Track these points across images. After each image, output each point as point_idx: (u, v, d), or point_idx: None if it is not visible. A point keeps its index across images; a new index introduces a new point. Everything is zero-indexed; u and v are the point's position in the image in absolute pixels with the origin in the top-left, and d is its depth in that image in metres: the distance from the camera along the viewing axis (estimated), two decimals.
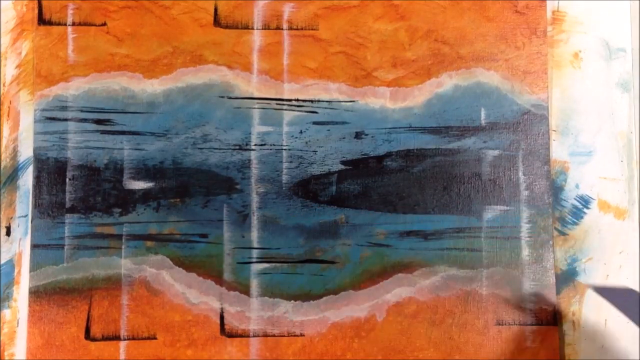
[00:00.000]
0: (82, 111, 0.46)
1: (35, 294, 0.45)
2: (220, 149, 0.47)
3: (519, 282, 0.47)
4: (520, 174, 0.48)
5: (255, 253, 0.46)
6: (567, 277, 0.47)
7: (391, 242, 0.47)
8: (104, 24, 0.47)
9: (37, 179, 0.46)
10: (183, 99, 0.47)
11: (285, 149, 0.47)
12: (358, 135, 0.47)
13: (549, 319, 0.46)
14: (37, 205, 0.46)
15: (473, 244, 0.47)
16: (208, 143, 0.47)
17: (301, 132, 0.47)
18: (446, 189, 0.47)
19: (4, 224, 0.46)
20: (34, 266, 0.45)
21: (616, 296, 0.47)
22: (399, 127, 0.47)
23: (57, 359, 0.45)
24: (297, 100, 0.47)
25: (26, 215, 0.46)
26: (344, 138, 0.47)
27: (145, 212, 0.46)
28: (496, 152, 0.48)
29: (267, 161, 0.47)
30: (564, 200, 0.48)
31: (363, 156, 0.47)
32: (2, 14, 0.47)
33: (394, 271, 0.46)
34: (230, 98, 0.47)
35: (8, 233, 0.46)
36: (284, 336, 0.46)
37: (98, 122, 0.46)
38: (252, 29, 0.47)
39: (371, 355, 0.46)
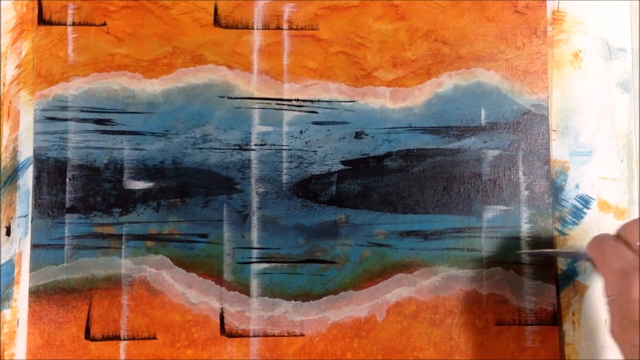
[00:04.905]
0: (82, 111, 0.46)
1: (35, 294, 0.45)
2: (220, 149, 0.47)
3: (519, 282, 0.47)
4: (520, 174, 0.48)
5: (255, 253, 0.46)
6: (567, 277, 0.47)
7: (391, 242, 0.47)
8: (104, 24, 0.47)
9: (37, 179, 0.46)
10: (183, 99, 0.47)
11: (285, 149, 0.47)
12: (358, 135, 0.47)
13: (549, 319, 0.46)
14: (37, 205, 0.46)
15: (473, 244, 0.47)
16: (208, 143, 0.47)
17: (301, 132, 0.47)
18: (446, 189, 0.47)
19: (4, 224, 0.46)
20: (34, 266, 0.45)
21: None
22: (399, 127, 0.47)
23: (57, 359, 0.45)
24: (297, 100, 0.47)
25: (26, 215, 0.46)
26: (344, 138, 0.47)
27: (145, 212, 0.46)
28: (496, 152, 0.48)
29: (267, 161, 0.47)
30: (564, 200, 0.48)
31: (363, 156, 0.47)
32: (2, 14, 0.47)
33: (394, 271, 0.46)
34: (230, 98, 0.47)
35: (8, 233, 0.46)
36: (284, 336, 0.46)
37: (98, 122, 0.46)
38: (252, 29, 0.47)
39: (371, 355, 0.46)
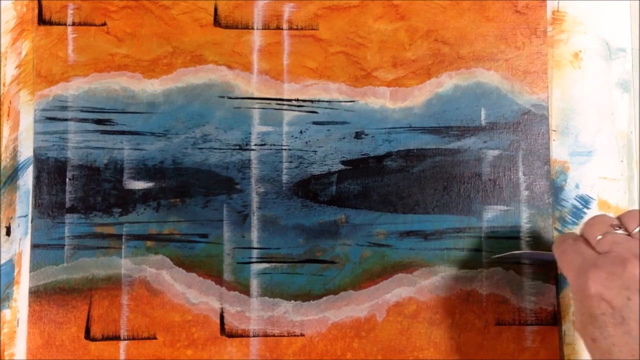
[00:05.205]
0: (82, 111, 0.46)
1: (35, 294, 0.45)
2: (220, 149, 0.47)
3: (519, 282, 0.47)
4: (520, 174, 0.48)
5: (255, 253, 0.46)
6: None
7: (391, 242, 0.47)
8: (104, 24, 0.47)
9: (37, 179, 0.46)
10: (183, 99, 0.47)
11: (285, 149, 0.47)
12: (358, 135, 0.47)
13: (549, 319, 0.46)
14: (37, 205, 0.46)
15: (473, 244, 0.47)
16: (208, 143, 0.47)
17: (301, 132, 0.47)
18: (446, 189, 0.47)
19: (4, 224, 0.46)
20: (34, 266, 0.45)
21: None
22: (399, 127, 0.47)
23: (57, 359, 0.45)
24: (297, 100, 0.47)
25: (26, 215, 0.46)
26: (344, 138, 0.47)
27: (145, 212, 0.46)
28: (496, 152, 0.48)
29: (267, 161, 0.47)
30: (564, 200, 0.48)
31: (363, 156, 0.47)
32: (2, 14, 0.47)
33: (394, 271, 0.46)
34: (230, 98, 0.47)
35: (8, 233, 0.46)
36: (284, 336, 0.46)
37: (98, 122, 0.46)
38: (252, 29, 0.47)
39: (371, 355, 0.46)
